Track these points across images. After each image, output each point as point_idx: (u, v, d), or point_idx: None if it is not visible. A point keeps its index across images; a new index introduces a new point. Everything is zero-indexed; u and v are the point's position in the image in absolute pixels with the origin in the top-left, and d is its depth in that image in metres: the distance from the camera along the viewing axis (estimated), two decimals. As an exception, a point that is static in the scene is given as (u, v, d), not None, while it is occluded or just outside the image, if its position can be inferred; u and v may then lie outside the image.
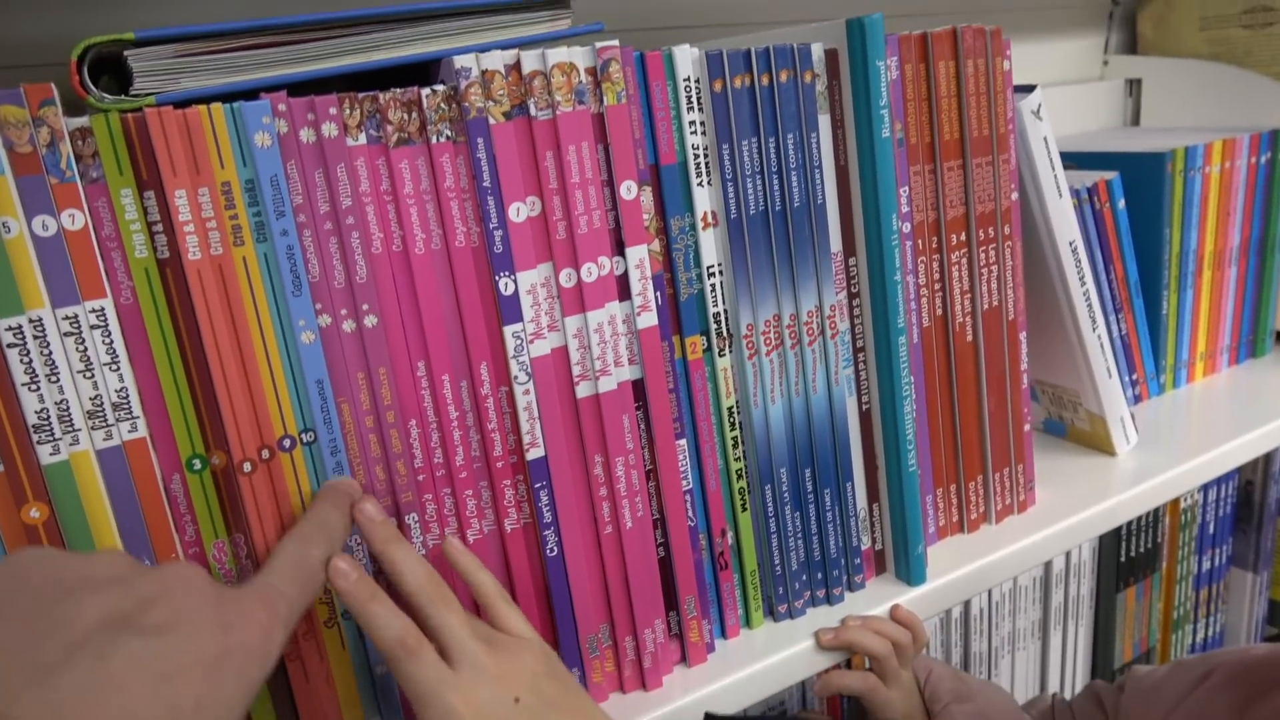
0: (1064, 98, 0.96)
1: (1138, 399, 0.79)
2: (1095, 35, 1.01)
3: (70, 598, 0.27)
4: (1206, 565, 0.98)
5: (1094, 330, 0.66)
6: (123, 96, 0.35)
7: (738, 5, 0.78)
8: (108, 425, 0.35)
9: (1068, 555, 0.83)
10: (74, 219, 0.33)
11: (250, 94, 0.39)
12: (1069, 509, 0.63)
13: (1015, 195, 0.57)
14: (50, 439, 0.34)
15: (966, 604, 0.78)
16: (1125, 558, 0.86)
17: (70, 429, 0.34)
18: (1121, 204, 0.73)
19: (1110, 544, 0.85)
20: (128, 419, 0.35)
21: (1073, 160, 0.79)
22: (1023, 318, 0.60)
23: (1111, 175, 0.72)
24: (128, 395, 0.35)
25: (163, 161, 0.34)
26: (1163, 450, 0.70)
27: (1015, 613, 0.81)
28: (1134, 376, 0.78)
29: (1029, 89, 0.59)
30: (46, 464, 0.34)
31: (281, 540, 0.36)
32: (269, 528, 0.38)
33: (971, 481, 0.60)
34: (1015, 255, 0.58)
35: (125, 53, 0.35)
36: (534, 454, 0.44)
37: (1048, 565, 0.82)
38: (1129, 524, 0.86)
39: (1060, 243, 0.62)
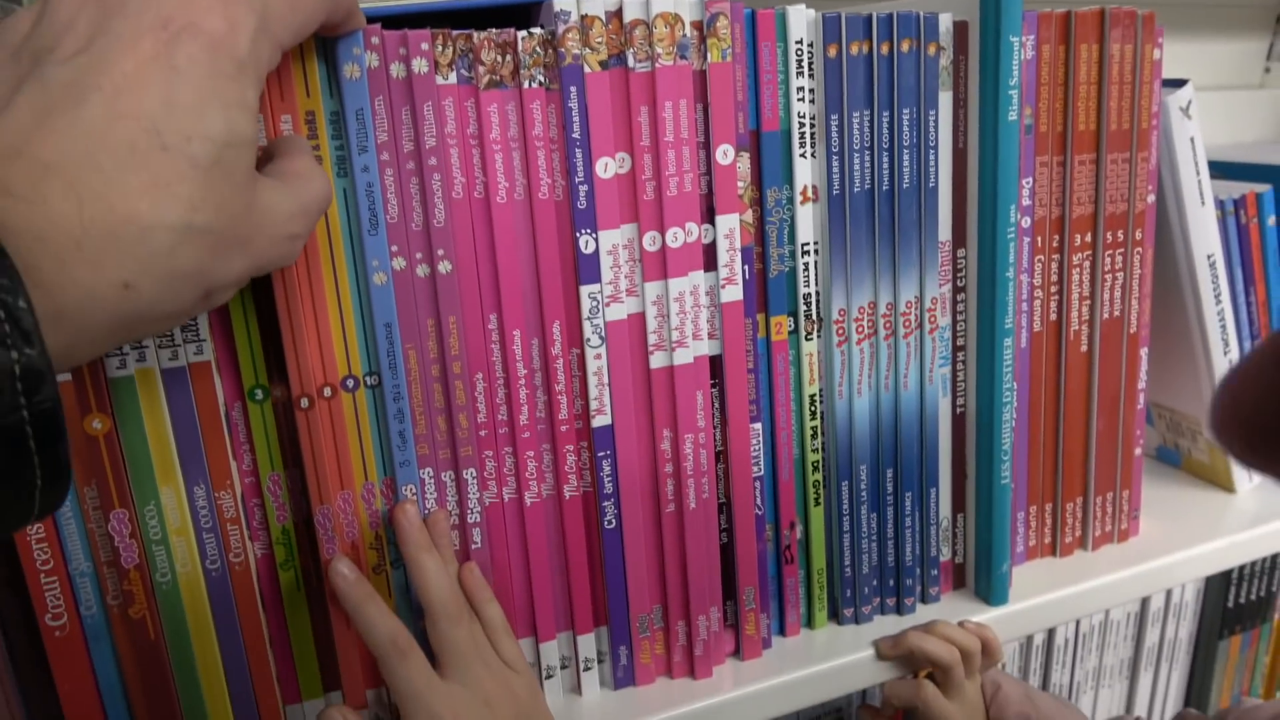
0: (1218, 104, 0.88)
1: (1266, 435, 0.72)
2: (1259, 40, 0.93)
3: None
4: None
5: (1225, 354, 0.61)
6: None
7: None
8: (174, 345, 0.35)
9: (1168, 594, 0.77)
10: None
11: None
12: (1175, 544, 0.58)
13: (1152, 198, 0.53)
14: (118, 352, 0.34)
15: (1051, 632, 0.73)
16: (1233, 603, 0.80)
17: (138, 345, 0.34)
18: (1271, 220, 0.66)
19: (1218, 587, 0.78)
20: (194, 341, 0.35)
21: (1221, 170, 0.73)
22: (1146, 332, 0.55)
23: (1263, 188, 0.66)
24: (197, 318, 0.35)
25: (248, 83, 0.33)
26: (1289, 493, 0.64)
27: (1104, 647, 0.75)
28: (1265, 410, 0.72)
29: (1179, 84, 0.54)
30: (113, 377, 0.34)
31: None
32: (324, 465, 0.38)
33: (1070, 503, 0.56)
34: (1145, 264, 0.53)
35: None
36: (600, 421, 0.42)
37: (1145, 601, 0.76)
38: (1242, 568, 0.79)
39: (1197, 255, 0.57)
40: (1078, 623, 0.74)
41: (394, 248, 0.38)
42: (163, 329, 0.27)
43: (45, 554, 0.35)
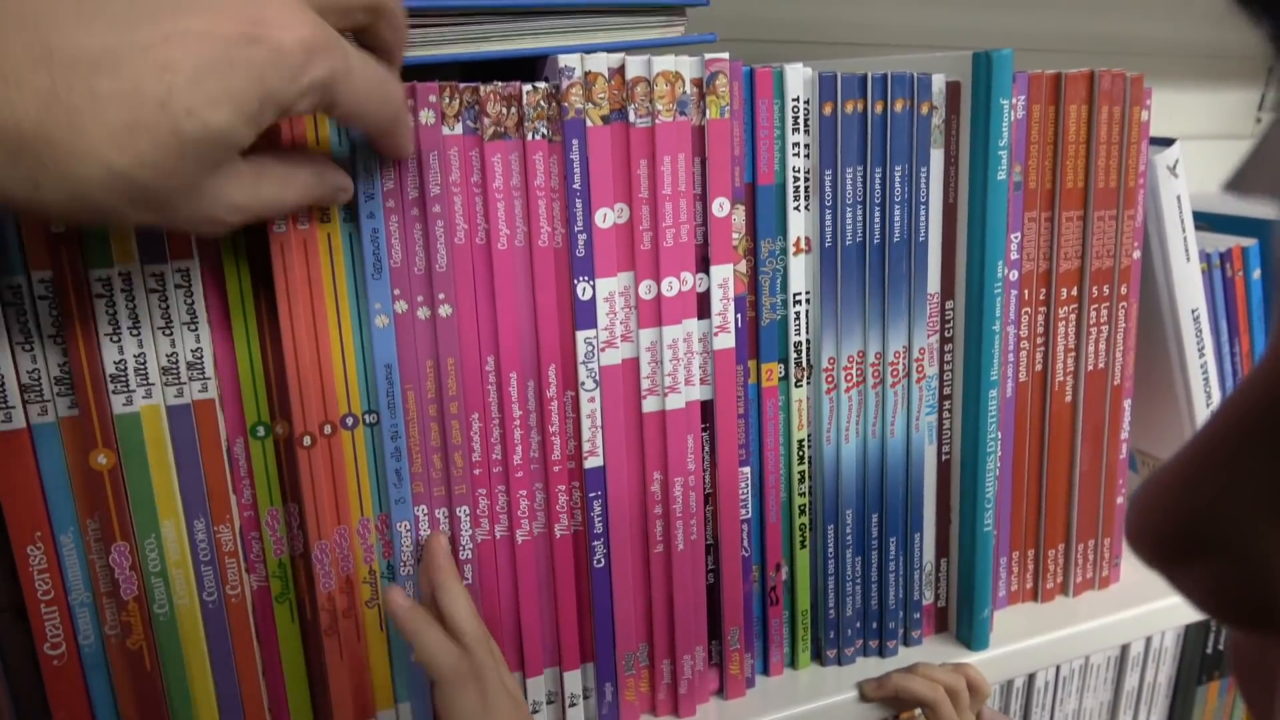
0: (1209, 153, 0.90)
1: (1249, 483, 0.73)
2: (1251, 90, 0.95)
3: None
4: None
5: (1207, 405, 0.62)
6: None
7: (863, 25, 0.75)
8: (180, 383, 0.36)
9: (1148, 639, 0.77)
10: (171, 180, 0.34)
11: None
12: (1156, 591, 0.59)
13: (1137, 254, 0.54)
14: (125, 390, 0.35)
15: (1031, 675, 0.74)
16: (1212, 650, 0.80)
17: (145, 382, 0.35)
18: (1256, 274, 0.68)
19: (1197, 634, 0.79)
20: (199, 379, 0.36)
21: (1208, 221, 0.74)
22: (1129, 383, 0.56)
23: (1249, 242, 0.67)
24: (202, 356, 0.36)
25: (261, 133, 0.35)
26: (1270, 543, 0.65)
27: (1084, 690, 0.76)
28: (1248, 459, 0.73)
29: (1167, 143, 0.55)
30: (118, 413, 0.35)
31: None
32: (322, 500, 0.39)
33: (1052, 549, 0.57)
34: (1130, 317, 0.55)
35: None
36: (592, 463, 0.43)
37: (1125, 646, 0.77)
38: (1223, 614, 0.80)
39: (1181, 309, 0.58)
40: (1058, 666, 0.74)
41: (396, 291, 0.39)
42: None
43: (46, 584, 0.35)
